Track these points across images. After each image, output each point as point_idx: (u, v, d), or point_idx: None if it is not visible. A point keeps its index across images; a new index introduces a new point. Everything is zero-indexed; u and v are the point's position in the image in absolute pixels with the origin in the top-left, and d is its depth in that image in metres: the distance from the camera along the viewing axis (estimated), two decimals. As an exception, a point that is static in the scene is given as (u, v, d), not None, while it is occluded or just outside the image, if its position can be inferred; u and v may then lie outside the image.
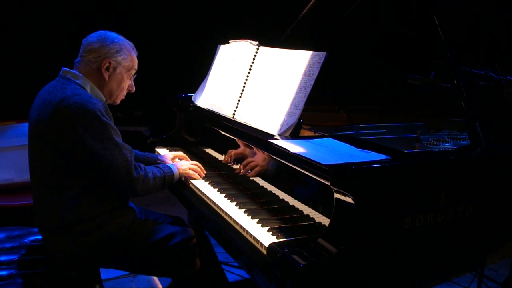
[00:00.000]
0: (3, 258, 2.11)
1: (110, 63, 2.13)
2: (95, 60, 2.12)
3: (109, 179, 2.04)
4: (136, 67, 2.26)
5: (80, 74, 2.11)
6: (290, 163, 1.86)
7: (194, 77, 3.05)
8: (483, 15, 2.60)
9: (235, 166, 2.49)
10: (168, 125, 3.17)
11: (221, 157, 2.67)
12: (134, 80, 2.30)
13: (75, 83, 2.08)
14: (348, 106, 2.92)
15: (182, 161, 2.45)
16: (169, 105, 3.14)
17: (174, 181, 2.29)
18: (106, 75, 2.14)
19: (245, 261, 1.82)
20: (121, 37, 2.21)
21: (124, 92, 2.27)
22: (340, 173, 1.56)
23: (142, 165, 2.15)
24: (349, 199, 1.55)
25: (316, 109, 2.77)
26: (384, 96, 3.09)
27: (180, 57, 5.18)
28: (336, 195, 1.60)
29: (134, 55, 2.24)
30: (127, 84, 2.25)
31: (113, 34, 2.18)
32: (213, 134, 2.68)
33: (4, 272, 2.00)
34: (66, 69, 2.14)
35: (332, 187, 1.60)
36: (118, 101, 2.28)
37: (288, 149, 1.78)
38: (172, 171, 2.27)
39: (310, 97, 2.01)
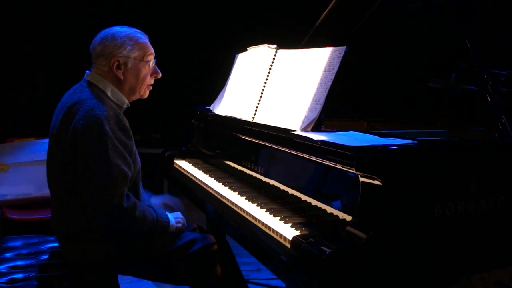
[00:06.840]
0: (19, 262, 2.06)
1: (118, 60, 2.03)
2: (104, 62, 2.03)
3: (88, 194, 1.88)
4: (150, 51, 2.12)
5: (100, 77, 2.05)
6: (312, 154, 1.81)
7: (209, 93, 3.03)
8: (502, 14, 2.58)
9: (254, 174, 2.44)
10: (186, 141, 3.15)
11: (239, 168, 2.62)
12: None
13: (96, 86, 2.03)
14: (367, 118, 2.89)
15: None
16: (187, 120, 3.12)
17: (168, 229, 2.10)
18: (120, 74, 2.04)
19: (269, 261, 1.75)
20: (124, 29, 2.08)
21: (149, 82, 2.16)
22: (365, 155, 1.51)
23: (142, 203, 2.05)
24: (376, 182, 1.49)
25: (335, 120, 2.74)
26: (403, 107, 3.04)
27: (196, 74, 5.17)
28: (362, 179, 1.54)
29: (142, 41, 2.09)
30: (148, 72, 2.12)
31: (114, 29, 2.07)
32: (232, 146, 2.65)
33: (19, 275, 1.95)
34: (89, 72, 2.10)
35: (357, 172, 1.54)
36: (146, 95, 2.18)
37: (310, 137, 1.74)
38: (168, 218, 2.11)
39: (328, 109, 1.94)
